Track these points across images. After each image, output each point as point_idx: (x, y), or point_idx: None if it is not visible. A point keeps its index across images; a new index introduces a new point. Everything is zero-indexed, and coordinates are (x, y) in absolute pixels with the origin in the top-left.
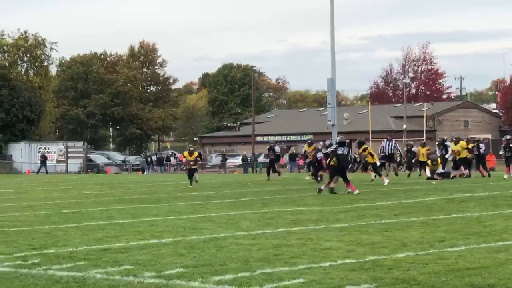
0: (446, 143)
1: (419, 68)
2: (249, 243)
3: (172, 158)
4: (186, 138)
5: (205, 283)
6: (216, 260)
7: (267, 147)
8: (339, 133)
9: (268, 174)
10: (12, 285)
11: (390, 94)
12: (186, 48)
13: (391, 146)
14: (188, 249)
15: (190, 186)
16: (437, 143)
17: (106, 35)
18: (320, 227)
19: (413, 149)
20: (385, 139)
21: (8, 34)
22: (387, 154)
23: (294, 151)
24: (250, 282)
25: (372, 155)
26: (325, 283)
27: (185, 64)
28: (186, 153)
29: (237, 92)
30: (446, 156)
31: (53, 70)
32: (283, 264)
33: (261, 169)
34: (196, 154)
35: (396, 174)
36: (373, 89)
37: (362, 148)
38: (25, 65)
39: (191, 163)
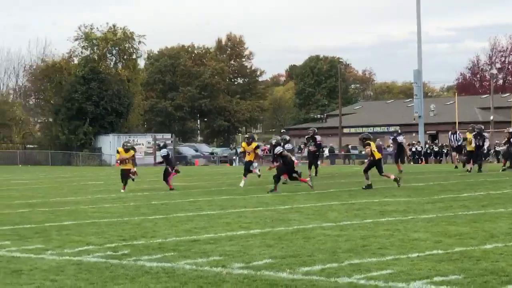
0: (483, 133)
1: (507, 59)
2: (337, 234)
3: (259, 150)
4: (273, 130)
5: (293, 274)
6: (304, 251)
7: (392, 138)
8: (425, 124)
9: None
10: (103, 275)
11: (477, 85)
12: (273, 40)
13: (456, 138)
14: (276, 240)
15: (123, 191)
16: (473, 133)
17: (193, 28)
18: (408, 218)
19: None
20: (449, 132)
21: (97, 28)
22: (455, 146)
23: (380, 143)
24: (338, 273)
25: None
26: (413, 274)
27: (272, 56)
28: (120, 149)
29: (323, 84)
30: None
31: (141, 63)
32: (371, 255)
33: (354, 161)
34: (132, 152)
35: (463, 166)
36: (460, 80)
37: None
38: (114, 58)
39: (126, 162)
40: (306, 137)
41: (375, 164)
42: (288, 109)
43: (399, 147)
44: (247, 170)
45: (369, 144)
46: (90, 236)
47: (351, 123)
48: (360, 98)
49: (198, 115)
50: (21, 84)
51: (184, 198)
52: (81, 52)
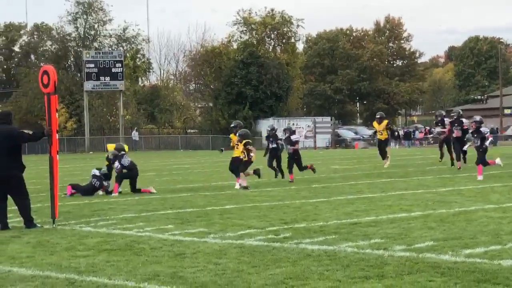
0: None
1: None
2: (500, 216)
3: (417, 132)
4: (433, 112)
5: (456, 257)
6: (466, 233)
7: None
8: None
9: None
10: (265, 258)
11: None
12: (432, 22)
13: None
14: (437, 222)
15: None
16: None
17: (351, 11)
18: None
19: None
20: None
21: (255, 13)
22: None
23: None
24: (501, 255)
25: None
26: None
27: (431, 38)
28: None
29: (483, 65)
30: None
31: (299, 46)
32: None
33: None
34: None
35: None
36: None
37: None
38: (273, 42)
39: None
40: (438, 119)
41: None
42: (448, 91)
43: None
44: (236, 171)
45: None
46: (251, 220)
47: None
48: None
49: (357, 98)
50: (181, 70)
51: (344, 181)
52: (240, 37)
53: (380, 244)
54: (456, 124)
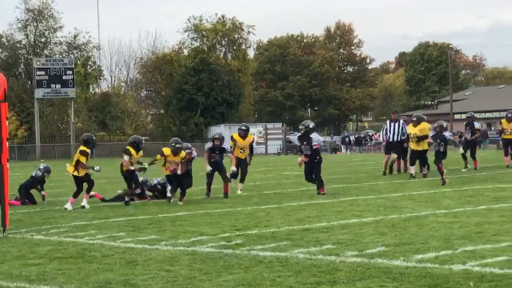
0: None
1: None
2: (450, 221)
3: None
4: (383, 117)
5: (407, 262)
6: (417, 238)
7: None
8: None
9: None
10: (217, 265)
11: None
12: (383, 28)
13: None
14: (389, 227)
15: None
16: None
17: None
18: None
19: None
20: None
21: (206, 19)
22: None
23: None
24: (453, 260)
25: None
26: None
27: (381, 44)
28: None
29: (434, 71)
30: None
31: (251, 53)
32: (485, 242)
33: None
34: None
35: None
36: None
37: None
38: (224, 49)
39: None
40: (465, 123)
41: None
42: (399, 96)
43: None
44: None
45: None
46: (203, 227)
47: (462, 109)
48: (471, 84)
49: (308, 104)
50: (132, 77)
51: (296, 187)
52: (191, 44)
53: (332, 250)
54: (468, 128)
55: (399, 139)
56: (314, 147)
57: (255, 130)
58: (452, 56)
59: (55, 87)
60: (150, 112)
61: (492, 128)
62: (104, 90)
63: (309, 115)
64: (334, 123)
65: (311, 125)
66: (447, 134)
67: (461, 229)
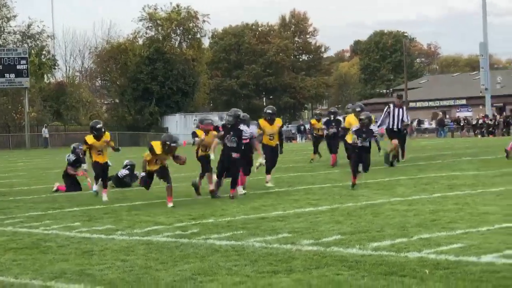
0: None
1: None
2: (406, 208)
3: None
4: (339, 106)
5: (363, 250)
6: (373, 226)
7: None
8: (492, 97)
9: None
10: (173, 254)
11: None
12: (338, 16)
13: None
14: (344, 216)
15: None
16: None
17: (257, 6)
18: (476, 191)
19: None
20: None
21: (161, 8)
22: None
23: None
24: (408, 248)
25: None
26: (484, 248)
27: (336, 32)
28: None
29: (389, 59)
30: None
31: (206, 42)
32: (441, 229)
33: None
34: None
35: None
36: None
37: None
38: (178, 38)
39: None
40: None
41: None
42: (354, 85)
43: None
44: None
45: None
46: (159, 216)
47: (417, 97)
48: (426, 72)
49: (263, 93)
50: (86, 66)
51: (251, 176)
52: (146, 33)
53: (288, 238)
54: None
55: (399, 127)
56: (244, 141)
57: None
58: (407, 44)
59: (9, 77)
60: (105, 102)
61: (447, 116)
62: (58, 80)
63: (264, 103)
64: (289, 112)
65: (241, 114)
66: (374, 128)
67: (417, 217)
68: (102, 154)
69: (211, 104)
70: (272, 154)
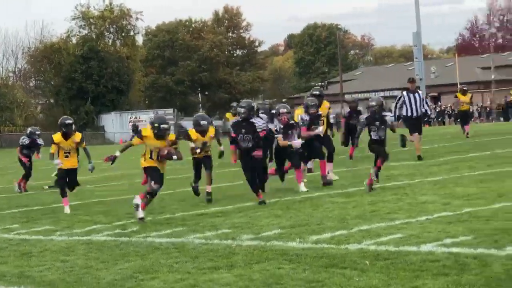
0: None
1: (505, 18)
2: (344, 201)
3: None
4: (275, 100)
5: (303, 243)
6: (313, 219)
7: None
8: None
9: None
10: (113, 253)
11: (477, 45)
12: (271, 10)
13: None
14: (284, 210)
15: None
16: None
17: (190, 2)
18: (415, 181)
19: None
20: None
21: (93, 7)
22: None
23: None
24: (348, 240)
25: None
26: (423, 237)
27: (270, 26)
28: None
29: (323, 52)
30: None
31: (139, 39)
32: (380, 220)
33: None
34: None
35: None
36: (459, 41)
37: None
38: (112, 36)
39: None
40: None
41: None
42: (289, 79)
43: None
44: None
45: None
46: (98, 215)
47: (353, 89)
48: (360, 63)
49: (199, 89)
50: (20, 67)
51: (190, 172)
52: (79, 32)
53: (228, 234)
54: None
55: (419, 114)
56: (261, 134)
57: (146, 117)
58: (341, 36)
59: None
60: (40, 102)
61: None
62: None
63: (199, 100)
64: (225, 107)
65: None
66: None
67: (356, 209)
68: (69, 157)
69: (147, 102)
70: (327, 142)
